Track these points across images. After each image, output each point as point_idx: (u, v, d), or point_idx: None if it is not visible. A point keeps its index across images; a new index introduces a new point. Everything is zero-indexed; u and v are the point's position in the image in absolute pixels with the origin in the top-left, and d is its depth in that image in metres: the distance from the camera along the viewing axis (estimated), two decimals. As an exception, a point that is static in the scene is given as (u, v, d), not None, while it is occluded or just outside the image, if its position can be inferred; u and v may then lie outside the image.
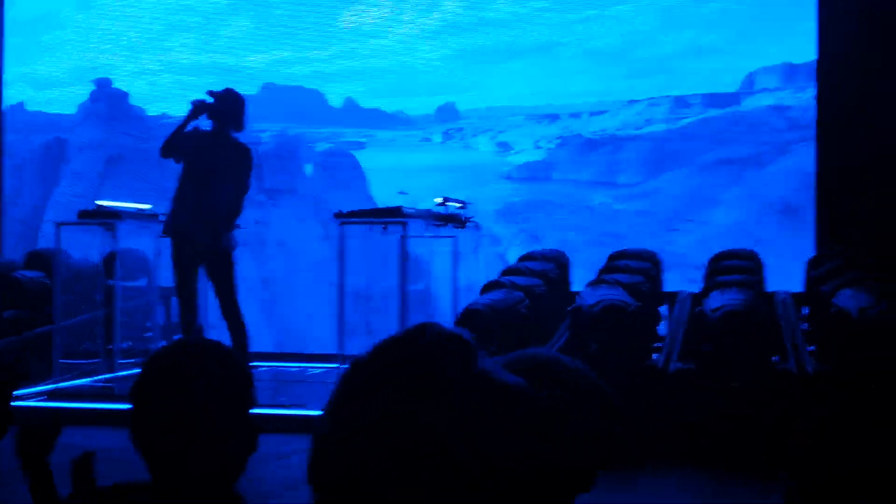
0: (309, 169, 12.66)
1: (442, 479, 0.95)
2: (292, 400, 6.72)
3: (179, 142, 7.01)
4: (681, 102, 11.88)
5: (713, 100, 11.73)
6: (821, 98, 9.40)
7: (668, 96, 11.86)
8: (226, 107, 7.01)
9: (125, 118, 12.77)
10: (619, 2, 11.41)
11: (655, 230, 11.21)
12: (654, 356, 6.48)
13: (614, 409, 1.26)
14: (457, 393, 0.97)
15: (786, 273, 8.90)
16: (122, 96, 12.76)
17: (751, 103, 11.69)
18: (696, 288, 7.73)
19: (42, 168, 12.70)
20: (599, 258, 8.21)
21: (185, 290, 7.02)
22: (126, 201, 8.69)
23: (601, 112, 11.98)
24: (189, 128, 7.05)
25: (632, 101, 11.97)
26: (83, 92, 12.81)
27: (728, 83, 11.66)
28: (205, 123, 7.06)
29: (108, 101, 12.76)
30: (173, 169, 7.11)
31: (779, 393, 5.23)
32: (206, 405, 1.76)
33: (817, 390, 5.24)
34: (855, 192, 8.87)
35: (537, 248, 9.04)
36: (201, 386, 1.77)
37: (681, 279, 9.26)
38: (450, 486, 0.95)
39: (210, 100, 6.99)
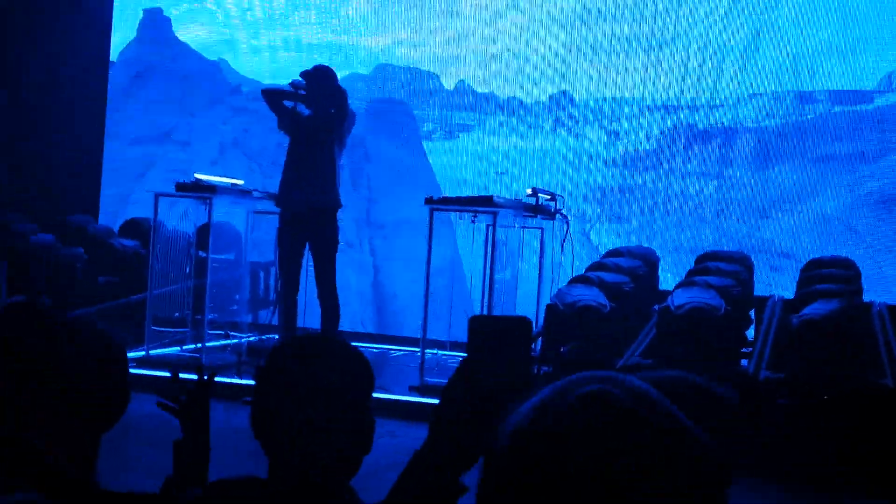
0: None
1: None
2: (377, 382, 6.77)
3: (289, 121, 7.23)
4: (806, 98, 11.53)
5: (841, 97, 11.33)
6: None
7: (792, 91, 11.53)
8: (318, 85, 7.13)
9: (162, 42, 13.05)
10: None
11: (746, 216, 11.04)
12: (744, 362, 6.35)
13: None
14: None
15: (885, 274, 8.63)
16: (165, 22, 13.07)
17: (882, 102, 11.31)
18: (778, 276, 7.53)
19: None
20: (680, 241, 8.06)
21: (289, 267, 7.20)
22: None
23: (721, 105, 11.72)
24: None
25: (753, 95, 11.68)
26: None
27: (863, 82, 11.21)
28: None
29: (150, 26, 13.07)
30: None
31: (875, 409, 5.07)
32: (329, 401, 1.77)
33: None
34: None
35: (621, 227, 8.94)
36: (325, 381, 1.78)
37: (764, 265, 9.09)
38: None
39: (302, 81, 7.14)
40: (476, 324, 1.69)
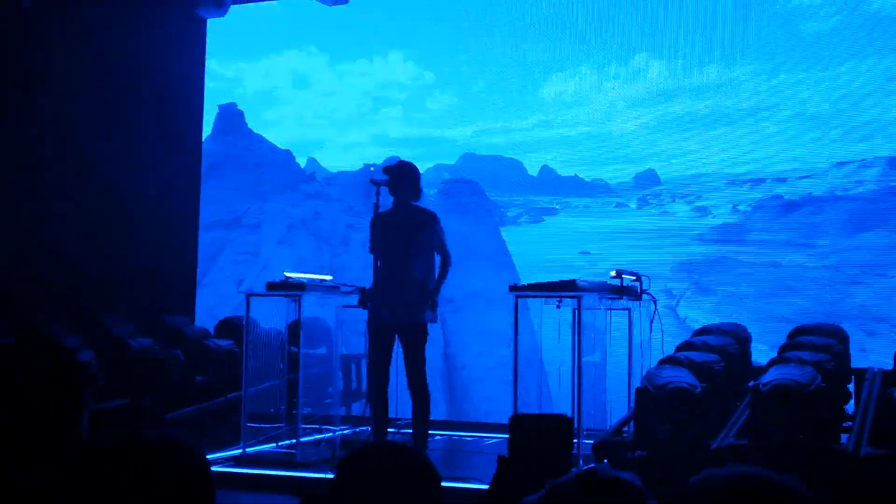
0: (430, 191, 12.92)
1: None
2: (466, 472, 6.76)
3: (372, 234, 7.34)
4: (896, 163, 11.34)
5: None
6: None
7: (882, 157, 11.34)
8: (400, 179, 7.30)
9: (236, 134, 13.48)
10: (835, 63, 10.96)
11: (836, 283, 10.83)
12: (844, 438, 6.19)
13: None
14: None
15: None
16: (238, 115, 13.52)
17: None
18: (874, 341, 7.37)
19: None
20: (770, 310, 7.97)
21: (379, 361, 7.30)
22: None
23: (808, 176, 11.59)
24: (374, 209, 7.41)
25: (841, 163, 11.53)
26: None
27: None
28: (387, 201, 7.39)
29: (226, 118, 13.52)
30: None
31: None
32: None
33: None
34: None
35: (708, 300, 8.85)
36: (394, 490, 1.84)
37: (858, 331, 8.89)
38: None
39: (385, 177, 7.29)
40: (515, 424, 1.74)
